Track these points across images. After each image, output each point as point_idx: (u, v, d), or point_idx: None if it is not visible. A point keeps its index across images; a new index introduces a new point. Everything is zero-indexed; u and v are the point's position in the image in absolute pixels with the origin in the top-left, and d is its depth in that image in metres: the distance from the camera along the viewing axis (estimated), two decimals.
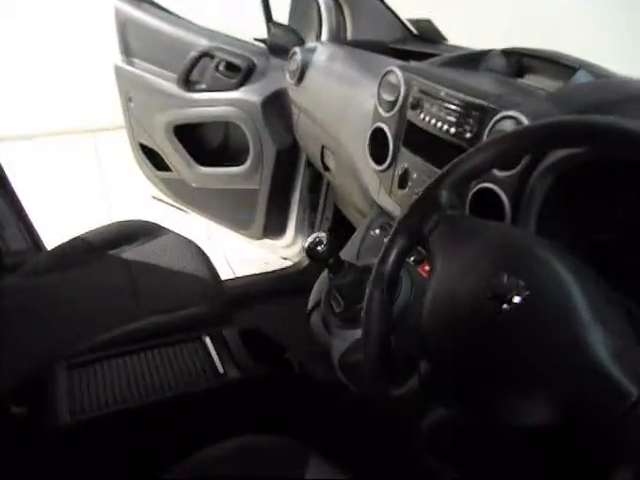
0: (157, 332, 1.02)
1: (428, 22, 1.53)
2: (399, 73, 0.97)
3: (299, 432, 0.80)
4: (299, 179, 1.86)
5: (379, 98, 1.03)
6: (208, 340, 1.00)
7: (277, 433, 0.77)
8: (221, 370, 0.93)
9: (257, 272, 1.90)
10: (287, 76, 1.47)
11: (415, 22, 1.59)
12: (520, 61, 0.97)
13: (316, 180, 1.83)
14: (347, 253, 1.06)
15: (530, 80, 0.94)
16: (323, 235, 0.87)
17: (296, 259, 1.99)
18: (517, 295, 0.51)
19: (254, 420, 0.88)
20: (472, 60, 1.00)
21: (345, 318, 0.93)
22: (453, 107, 0.85)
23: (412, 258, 0.98)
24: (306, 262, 1.92)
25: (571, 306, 0.49)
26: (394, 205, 1.03)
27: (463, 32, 1.48)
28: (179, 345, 0.99)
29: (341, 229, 1.75)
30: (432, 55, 1.15)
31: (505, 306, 0.51)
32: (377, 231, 1.08)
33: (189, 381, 0.91)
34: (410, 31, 1.59)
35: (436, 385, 0.57)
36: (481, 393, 0.53)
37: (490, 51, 1.00)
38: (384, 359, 0.64)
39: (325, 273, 1.07)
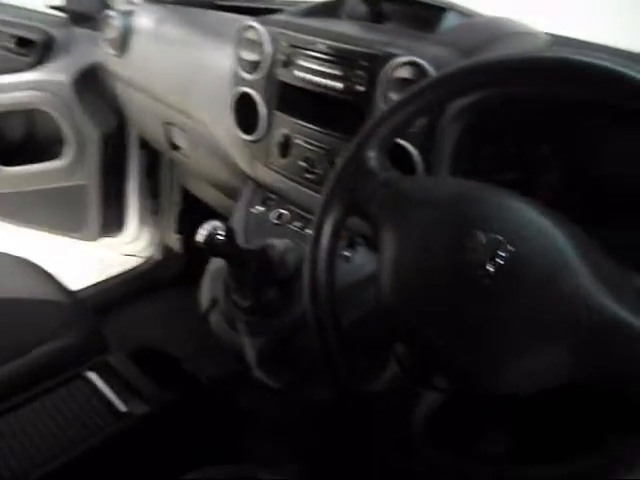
0: (20, 382, 0.81)
1: None
2: (261, 28, 0.86)
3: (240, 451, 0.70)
4: (133, 164, 1.64)
5: (238, 59, 0.91)
6: (93, 375, 0.82)
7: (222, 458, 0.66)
8: (123, 408, 0.77)
9: (106, 278, 1.66)
10: (105, 47, 1.25)
11: None
12: (379, 6, 0.93)
13: (153, 163, 1.64)
14: None
15: (395, 25, 0.90)
16: (217, 224, 0.75)
17: (145, 254, 1.79)
18: (500, 252, 0.47)
19: (187, 452, 0.75)
20: (331, 8, 0.93)
21: (255, 311, 0.83)
22: (336, 59, 0.78)
23: (309, 231, 0.90)
24: (159, 255, 1.73)
25: (560, 253, 0.46)
26: (274, 176, 0.93)
27: None
28: (56, 391, 0.79)
29: (194, 213, 1.61)
30: (267, 10, 1.05)
31: (490, 268, 0.47)
32: (259, 207, 0.98)
33: (85, 434, 0.73)
34: None
35: (422, 367, 0.51)
36: (477, 364, 0.48)
37: None
38: (347, 353, 0.57)
39: (213, 266, 0.95)
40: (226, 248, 0.75)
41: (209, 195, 1.38)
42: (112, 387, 0.81)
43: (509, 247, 0.46)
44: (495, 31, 0.74)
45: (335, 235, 0.60)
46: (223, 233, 0.74)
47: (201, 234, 0.74)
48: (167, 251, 1.74)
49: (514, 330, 0.46)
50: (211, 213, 1.32)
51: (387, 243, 0.55)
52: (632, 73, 0.45)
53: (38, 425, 0.75)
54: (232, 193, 1.14)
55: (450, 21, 0.81)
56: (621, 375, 0.42)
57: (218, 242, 0.74)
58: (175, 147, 1.25)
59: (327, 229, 0.60)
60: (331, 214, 0.60)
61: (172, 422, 0.81)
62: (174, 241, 1.71)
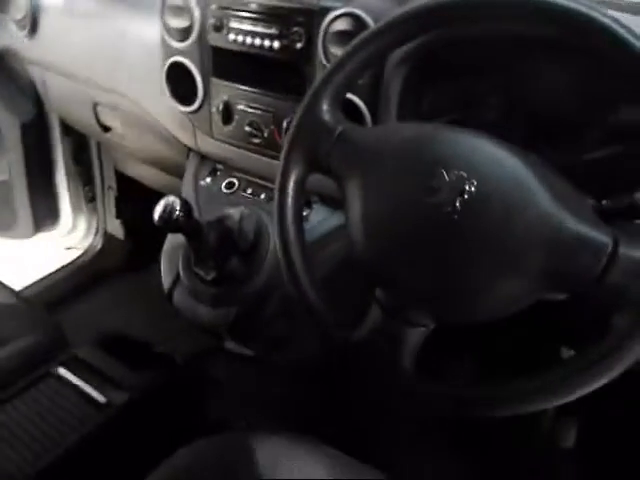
0: None
1: None
2: None
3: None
4: (58, 152, 1.56)
5: (166, 28, 0.87)
6: (63, 371, 0.79)
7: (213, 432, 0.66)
8: (102, 399, 0.75)
9: (50, 273, 1.59)
10: (12, 28, 1.16)
11: None
12: None
13: (80, 148, 1.56)
14: None
15: None
16: (172, 199, 0.74)
17: (85, 243, 1.72)
18: (465, 187, 0.49)
19: (172, 432, 0.75)
20: None
21: (221, 282, 0.83)
22: (270, 18, 0.76)
23: (262, 196, 0.91)
24: (101, 243, 1.67)
25: (520, 181, 0.48)
26: (219, 145, 0.92)
27: None
28: (27, 393, 0.76)
29: (132, 196, 1.55)
30: None
31: (457, 204, 0.49)
32: (208, 179, 0.96)
33: (68, 430, 0.71)
34: None
35: (403, 307, 0.53)
36: (456, 296, 0.51)
37: None
38: (329, 302, 0.58)
39: (170, 243, 0.93)
40: (184, 223, 0.74)
41: (148, 175, 1.33)
42: (86, 380, 0.79)
43: (473, 181, 0.49)
44: None
45: (299, 193, 0.61)
46: (180, 208, 0.73)
47: (158, 211, 0.73)
48: (109, 238, 1.68)
49: (487, 259, 0.48)
50: (151, 193, 1.29)
51: (353, 195, 0.56)
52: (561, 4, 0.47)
53: (15, 430, 0.72)
54: (175, 169, 1.11)
55: None
56: (588, 285, 0.45)
57: (176, 217, 0.73)
58: (106, 129, 1.19)
59: (290, 188, 0.60)
60: (292, 173, 0.60)
61: (153, 405, 0.80)
62: (115, 227, 1.65)
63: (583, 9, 0.46)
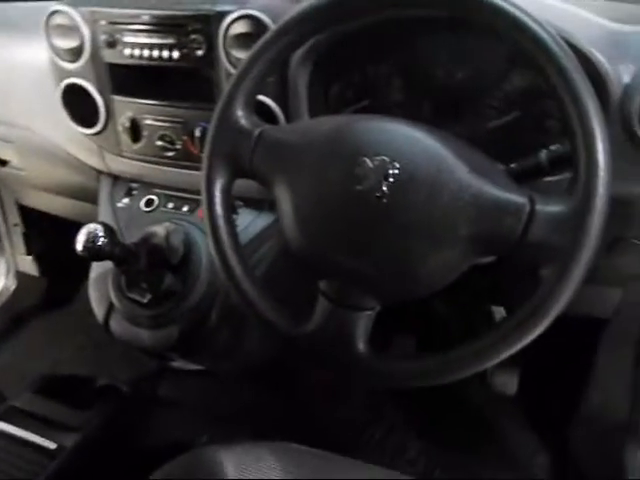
0: None
1: None
2: (71, 11, 0.79)
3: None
4: None
5: (54, 50, 0.83)
6: (3, 425, 0.74)
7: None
8: (52, 445, 0.71)
9: None
10: None
11: None
12: None
13: None
14: None
15: None
16: (93, 226, 0.71)
17: None
18: (389, 171, 0.51)
19: (140, 463, 0.72)
20: None
21: (158, 303, 0.80)
22: (165, 28, 0.75)
23: (185, 208, 0.89)
24: (15, 283, 1.57)
25: (438, 157, 0.51)
26: (132, 164, 0.89)
27: None
28: None
29: (41, 229, 1.47)
30: None
31: (384, 188, 0.51)
32: (125, 200, 0.93)
33: None
34: None
35: (349, 294, 0.55)
36: (396, 276, 0.53)
37: None
38: (274, 301, 0.58)
39: (95, 272, 0.90)
40: (111, 249, 0.71)
41: (56, 205, 1.26)
42: (30, 429, 0.75)
43: (395, 164, 0.51)
44: None
45: (227, 201, 0.60)
46: (104, 234, 0.70)
47: (80, 241, 0.70)
48: (22, 277, 1.58)
49: (420, 235, 0.51)
50: (62, 224, 1.23)
51: (281, 194, 0.56)
52: None
53: None
54: (86, 195, 1.06)
55: None
56: (513, 244, 0.49)
57: (101, 245, 0.70)
58: (3, 163, 1.12)
59: (217, 198, 0.60)
60: (217, 182, 0.59)
61: (108, 440, 0.77)
62: (28, 264, 1.56)
63: None
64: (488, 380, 1.15)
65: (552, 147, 0.59)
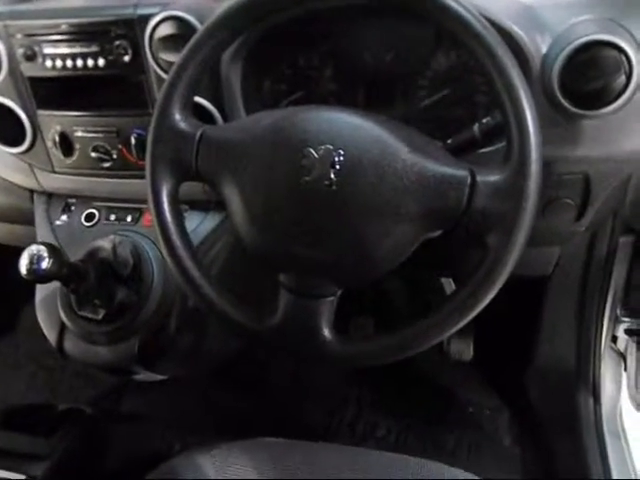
0: None
1: None
2: None
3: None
4: None
5: None
6: None
7: None
8: (20, 477, 0.68)
9: None
10: None
11: None
12: None
13: None
14: None
15: None
16: (36, 247, 0.68)
17: None
18: (335, 159, 0.52)
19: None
20: None
21: (114, 317, 0.79)
22: (87, 36, 0.72)
23: (129, 219, 0.87)
24: None
25: (380, 140, 0.53)
26: (66, 179, 0.86)
27: None
28: None
29: None
30: None
31: (332, 175, 0.52)
32: (64, 217, 0.90)
33: None
34: None
35: (309, 284, 0.56)
36: (353, 259, 0.54)
37: None
38: (235, 299, 0.59)
39: (40, 294, 0.87)
40: (57, 269, 0.69)
41: None
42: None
43: (340, 151, 0.52)
44: None
45: (175, 206, 0.60)
46: (48, 254, 0.68)
47: (24, 264, 0.68)
48: None
49: (371, 217, 0.52)
50: None
51: (230, 193, 0.57)
52: None
53: None
54: (18, 217, 1.02)
55: None
56: (459, 216, 0.51)
57: (47, 266, 0.68)
58: None
59: (165, 204, 0.59)
60: (163, 188, 0.59)
61: (79, 464, 0.75)
62: None
63: None
64: (445, 349, 1.19)
65: (483, 120, 0.62)
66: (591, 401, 1.02)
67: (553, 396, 1.09)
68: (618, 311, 0.97)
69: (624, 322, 0.99)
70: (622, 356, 1.05)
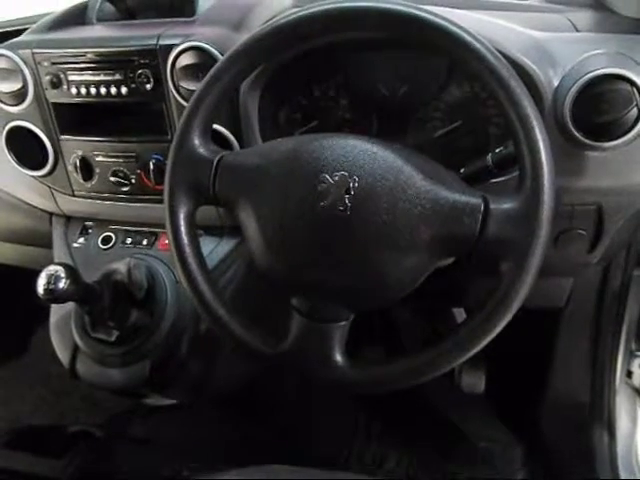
0: None
1: None
2: (11, 54, 0.78)
3: None
4: None
5: None
6: None
7: None
8: None
9: None
10: None
11: None
12: (125, 2, 0.91)
13: None
14: None
15: (150, 17, 0.89)
16: (54, 268, 0.70)
17: None
18: (350, 185, 0.53)
19: None
20: (77, 16, 0.88)
21: (126, 340, 0.79)
22: (111, 65, 0.75)
23: (144, 242, 0.88)
24: None
25: (394, 168, 0.54)
26: (85, 203, 0.88)
27: None
28: None
29: None
30: (6, 34, 0.95)
31: (347, 201, 0.53)
32: (81, 240, 0.91)
33: None
34: None
35: (321, 308, 0.56)
36: (367, 285, 0.55)
37: (89, 2, 0.89)
38: (248, 323, 0.59)
39: (55, 316, 0.88)
40: (74, 289, 0.70)
41: (5, 253, 1.22)
42: None
43: (355, 178, 0.53)
44: (247, 1, 0.79)
45: (192, 230, 0.61)
46: (65, 275, 0.69)
47: (42, 285, 0.69)
48: None
49: (385, 243, 0.53)
50: (12, 272, 1.19)
51: (247, 217, 0.58)
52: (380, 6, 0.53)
53: None
54: (38, 240, 1.04)
55: (204, 2, 0.83)
56: (473, 243, 0.52)
57: (64, 286, 0.69)
58: None
59: (182, 227, 0.60)
60: (180, 212, 0.60)
61: None
62: None
63: (416, 12, 0.53)
64: (456, 382, 1.18)
65: (496, 150, 0.63)
66: (606, 437, 1.00)
67: (567, 431, 1.07)
68: (633, 345, 0.96)
69: (639, 357, 0.98)
70: (637, 391, 1.03)
